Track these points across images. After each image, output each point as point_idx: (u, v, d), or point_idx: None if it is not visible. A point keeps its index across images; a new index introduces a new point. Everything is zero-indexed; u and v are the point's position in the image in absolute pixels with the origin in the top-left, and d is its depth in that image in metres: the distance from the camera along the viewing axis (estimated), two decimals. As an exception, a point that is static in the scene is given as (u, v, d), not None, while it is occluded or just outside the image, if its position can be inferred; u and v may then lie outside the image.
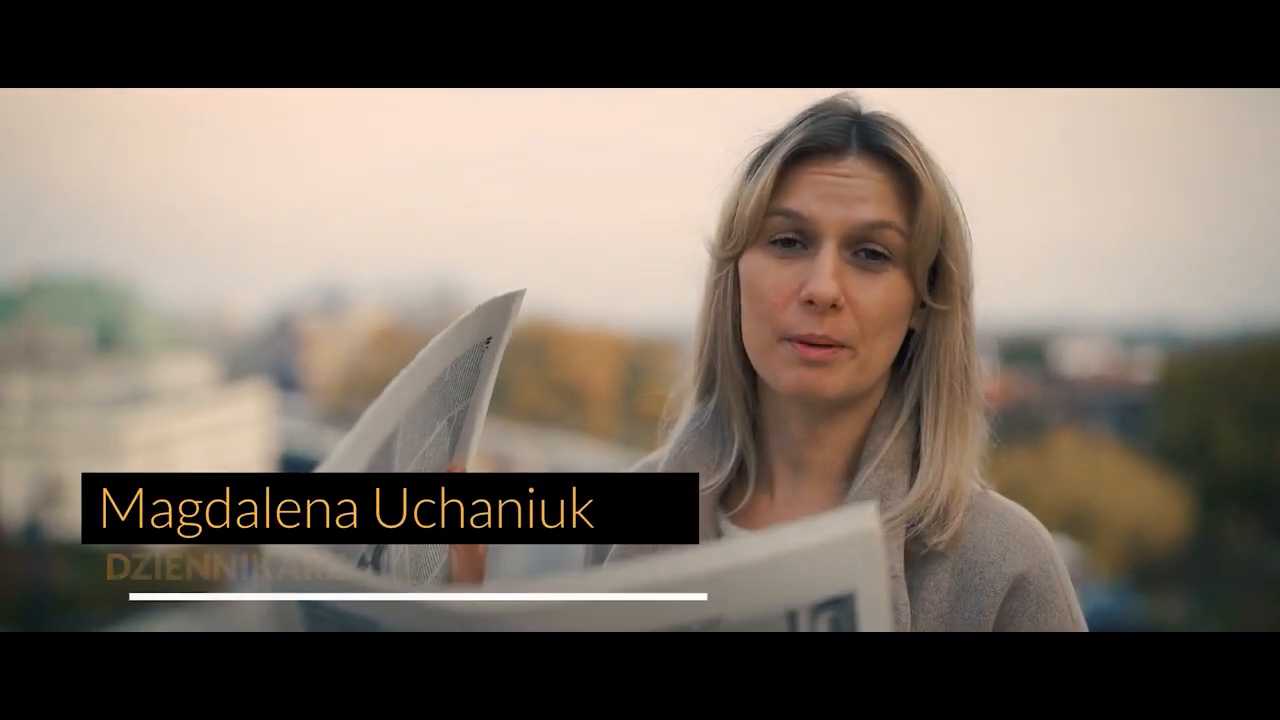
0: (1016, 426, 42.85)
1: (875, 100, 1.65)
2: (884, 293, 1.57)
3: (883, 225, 1.57)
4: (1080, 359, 65.28)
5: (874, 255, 1.57)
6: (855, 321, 1.56)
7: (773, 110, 1.66)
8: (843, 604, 0.99)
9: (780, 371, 1.58)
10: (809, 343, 1.55)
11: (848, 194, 1.57)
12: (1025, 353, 62.76)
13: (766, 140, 1.63)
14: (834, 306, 1.54)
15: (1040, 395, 55.22)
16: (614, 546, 1.67)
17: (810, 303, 1.54)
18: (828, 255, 1.55)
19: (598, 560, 1.78)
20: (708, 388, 1.70)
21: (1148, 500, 39.42)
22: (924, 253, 1.58)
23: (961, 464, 1.60)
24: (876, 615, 1.01)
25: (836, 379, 1.57)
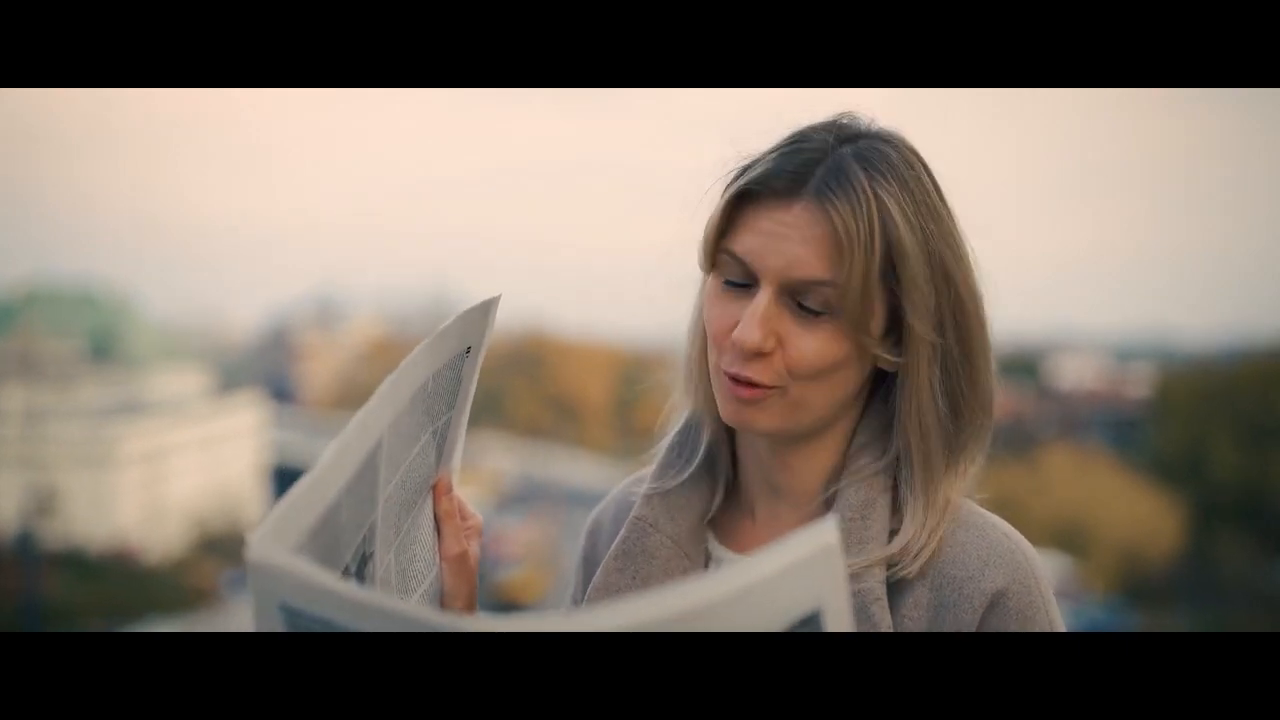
0: (1010, 441, 42.86)
1: (870, 102, 1.61)
2: (818, 343, 1.53)
3: (817, 284, 1.52)
4: (1075, 373, 65.33)
5: (807, 309, 1.53)
6: (783, 364, 1.53)
7: (770, 121, 1.63)
8: (811, 621, 1.00)
9: (720, 401, 1.58)
10: (736, 380, 1.54)
11: (787, 246, 1.52)
12: (1020, 367, 62.78)
13: (744, 163, 1.59)
14: (760, 354, 1.52)
15: (1034, 409, 55.23)
16: (596, 576, 1.66)
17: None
18: (759, 302, 1.52)
19: (587, 579, 1.76)
20: (689, 397, 1.70)
21: (1142, 516, 39.41)
22: (854, 312, 1.52)
23: (948, 507, 1.56)
24: (841, 627, 1.01)
25: (768, 417, 1.55)
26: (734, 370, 1.54)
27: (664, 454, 1.70)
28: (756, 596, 0.97)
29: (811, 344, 1.53)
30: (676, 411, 1.72)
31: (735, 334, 1.53)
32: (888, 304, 1.54)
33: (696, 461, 1.68)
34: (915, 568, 1.53)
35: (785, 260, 1.52)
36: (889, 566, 1.53)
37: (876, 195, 1.52)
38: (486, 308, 1.50)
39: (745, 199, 1.55)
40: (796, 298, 1.53)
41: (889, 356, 1.55)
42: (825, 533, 0.99)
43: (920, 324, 1.54)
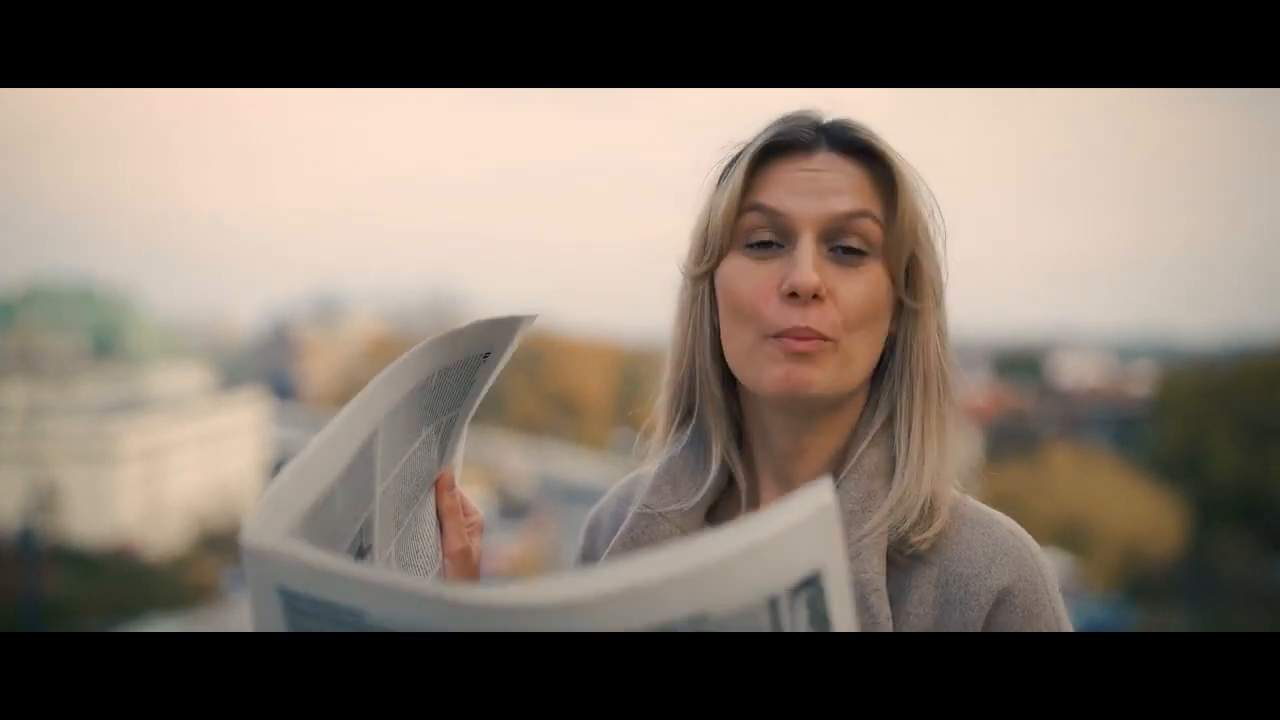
0: (1012, 439, 42.85)
1: (871, 101, 1.63)
2: (865, 286, 1.55)
3: (860, 215, 1.55)
4: (1076, 372, 65.33)
5: (851, 250, 1.56)
6: (838, 313, 1.54)
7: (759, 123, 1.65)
8: (814, 582, 0.99)
9: (765, 371, 1.56)
10: (794, 336, 1.53)
11: (822, 186, 1.56)
12: (1021, 365, 62.82)
13: (735, 151, 1.62)
14: (816, 297, 1.53)
15: (1036, 408, 55.21)
16: (607, 550, 1.67)
17: (793, 294, 1.53)
18: (806, 247, 1.54)
19: (589, 561, 1.77)
20: (688, 410, 1.69)
21: (1142, 514, 39.39)
22: (903, 244, 1.57)
23: (941, 464, 1.57)
24: (840, 589, 1.01)
25: (821, 374, 1.54)
26: (791, 325, 1.53)
27: (670, 472, 1.68)
28: (757, 558, 0.97)
29: (860, 288, 1.55)
30: (660, 417, 1.72)
31: (790, 282, 1.53)
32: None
33: (709, 480, 1.66)
34: (929, 534, 1.53)
35: (822, 200, 1.56)
36: (902, 540, 1.53)
37: (885, 141, 1.60)
38: (518, 322, 1.49)
39: (768, 154, 1.59)
40: (836, 242, 1.56)
41: (911, 302, 1.59)
42: (821, 493, 0.99)
43: (930, 264, 1.60)
